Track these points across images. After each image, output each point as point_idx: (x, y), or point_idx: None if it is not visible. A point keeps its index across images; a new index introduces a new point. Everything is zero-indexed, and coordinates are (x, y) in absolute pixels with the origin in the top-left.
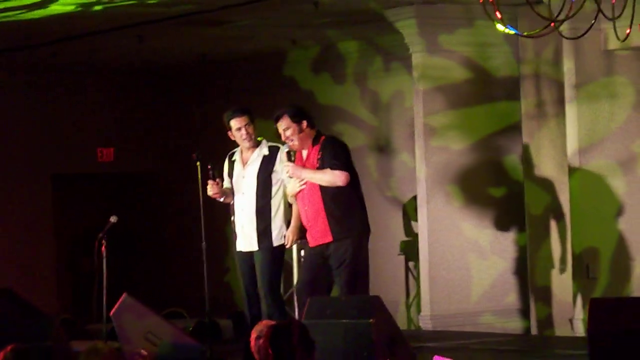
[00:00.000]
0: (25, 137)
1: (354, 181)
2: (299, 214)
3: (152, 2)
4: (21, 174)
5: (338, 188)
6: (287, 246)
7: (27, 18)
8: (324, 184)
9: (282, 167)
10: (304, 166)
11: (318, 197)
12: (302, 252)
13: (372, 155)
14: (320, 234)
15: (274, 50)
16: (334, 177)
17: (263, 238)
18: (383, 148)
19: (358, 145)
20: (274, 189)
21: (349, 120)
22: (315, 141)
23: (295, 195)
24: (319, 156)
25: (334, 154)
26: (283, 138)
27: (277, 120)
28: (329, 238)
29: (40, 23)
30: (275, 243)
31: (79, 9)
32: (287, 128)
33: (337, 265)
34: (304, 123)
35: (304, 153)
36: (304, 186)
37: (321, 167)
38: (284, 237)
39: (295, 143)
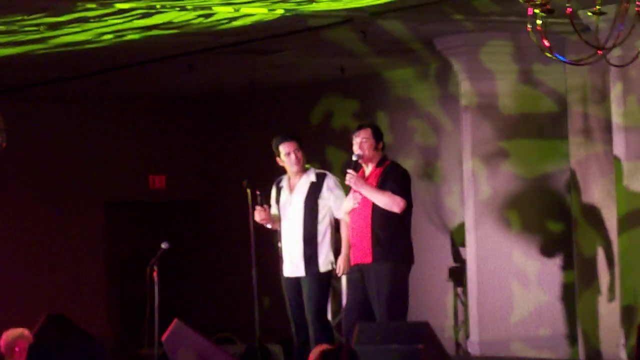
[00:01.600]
0: (79, 165)
1: (407, 210)
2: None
3: (203, 30)
4: (75, 201)
5: (389, 212)
6: (340, 275)
7: (79, 48)
8: (380, 204)
9: (329, 194)
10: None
11: (368, 217)
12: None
13: (444, 158)
14: (362, 253)
15: (323, 78)
16: (392, 201)
17: (310, 264)
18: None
19: (430, 145)
20: (320, 215)
21: (425, 118)
22: (380, 163)
23: (348, 212)
24: (380, 178)
25: (398, 179)
26: (357, 147)
27: (359, 128)
28: (369, 259)
29: (92, 52)
30: (322, 269)
31: (134, 36)
32: (367, 140)
33: (375, 289)
34: (381, 144)
35: (367, 170)
36: (356, 205)
37: (380, 189)
38: (331, 263)
39: (365, 153)
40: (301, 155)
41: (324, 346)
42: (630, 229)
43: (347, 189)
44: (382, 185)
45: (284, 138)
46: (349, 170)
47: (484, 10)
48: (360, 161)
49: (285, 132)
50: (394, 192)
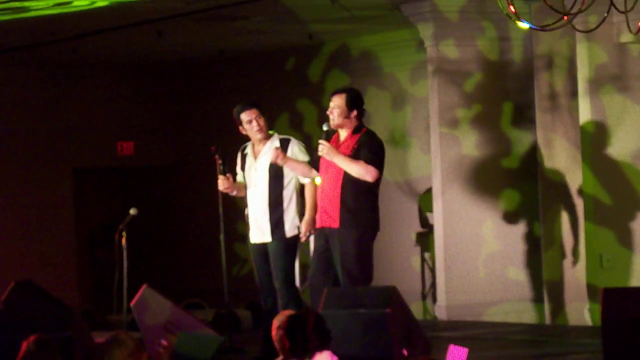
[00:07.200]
0: (47, 131)
1: (377, 180)
2: (315, 204)
3: None
4: (43, 167)
5: (359, 181)
6: (302, 239)
7: (48, 14)
8: (353, 173)
9: (298, 150)
10: (338, 148)
11: (338, 183)
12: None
13: (412, 124)
14: (329, 217)
15: (292, 45)
16: (365, 171)
17: (276, 229)
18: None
19: (399, 111)
20: (285, 180)
21: (393, 84)
22: (356, 130)
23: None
24: (355, 146)
25: (374, 149)
26: (329, 111)
27: (334, 93)
28: (336, 224)
29: (61, 19)
30: (289, 234)
31: (103, 3)
32: (338, 107)
33: (340, 255)
34: (354, 112)
35: (342, 136)
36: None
37: (354, 157)
38: (297, 227)
39: (334, 121)
40: (263, 122)
41: (289, 311)
42: (595, 194)
43: (312, 155)
44: (357, 153)
45: (244, 106)
46: (321, 141)
47: None
48: (331, 128)
49: (245, 99)
50: (368, 161)
